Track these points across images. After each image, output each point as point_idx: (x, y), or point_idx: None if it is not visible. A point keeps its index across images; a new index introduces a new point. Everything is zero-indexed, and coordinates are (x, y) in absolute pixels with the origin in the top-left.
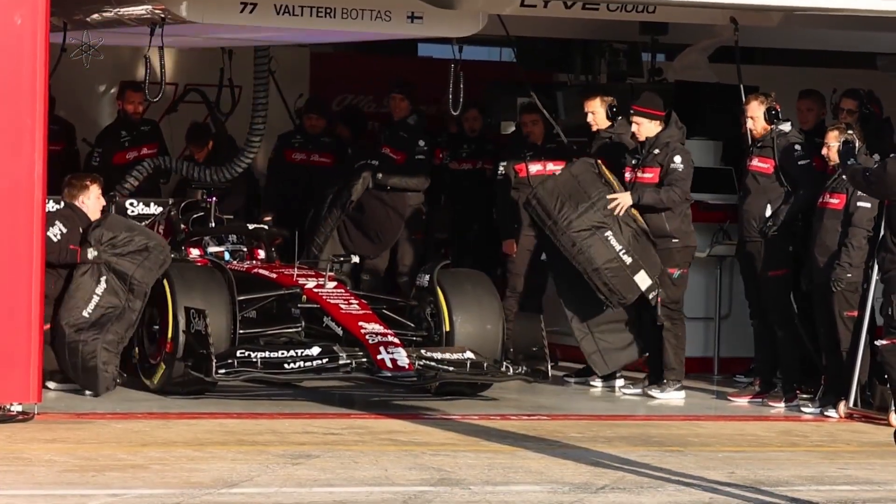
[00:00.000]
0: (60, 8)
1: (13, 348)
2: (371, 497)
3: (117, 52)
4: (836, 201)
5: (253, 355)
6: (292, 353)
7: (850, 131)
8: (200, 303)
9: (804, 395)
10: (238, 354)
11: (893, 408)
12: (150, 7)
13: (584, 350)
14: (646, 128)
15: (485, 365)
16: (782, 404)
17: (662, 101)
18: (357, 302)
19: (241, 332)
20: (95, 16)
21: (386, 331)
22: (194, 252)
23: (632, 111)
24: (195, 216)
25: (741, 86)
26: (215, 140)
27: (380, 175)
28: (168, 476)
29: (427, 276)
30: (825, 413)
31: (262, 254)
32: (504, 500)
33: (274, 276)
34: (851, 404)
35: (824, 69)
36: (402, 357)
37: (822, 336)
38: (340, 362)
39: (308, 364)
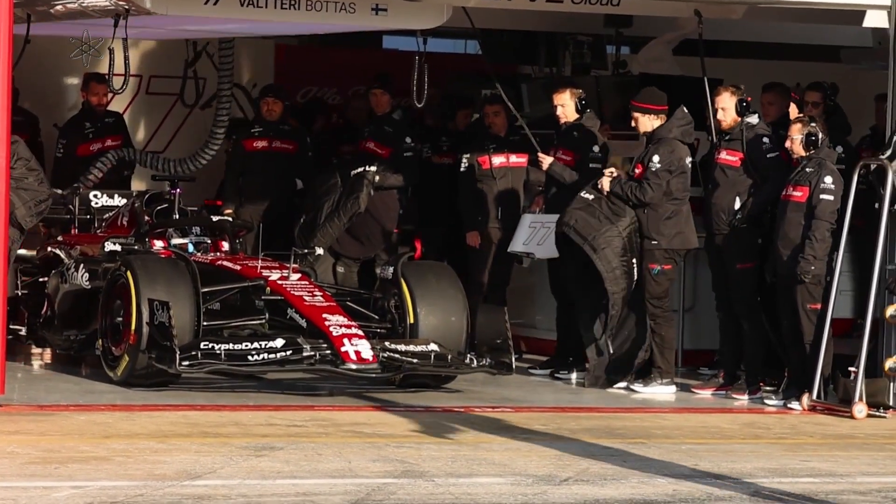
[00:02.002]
0: None
1: None
2: (335, 489)
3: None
4: (799, 194)
5: (217, 347)
6: (256, 345)
7: (812, 124)
8: (164, 295)
9: (767, 388)
10: (202, 346)
11: (857, 399)
12: None
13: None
14: (643, 123)
15: (449, 357)
16: (746, 397)
17: (665, 96)
18: (321, 294)
19: (205, 324)
20: (59, 7)
21: (350, 323)
22: (158, 244)
23: (630, 106)
24: (159, 208)
25: (705, 79)
26: None
27: (377, 177)
28: (131, 468)
29: (391, 269)
30: (788, 405)
31: (225, 246)
32: (467, 493)
33: (238, 268)
34: (815, 397)
35: (788, 62)
36: (366, 349)
37: (785, 329)
38: (304, 354)
39: (272, 356)
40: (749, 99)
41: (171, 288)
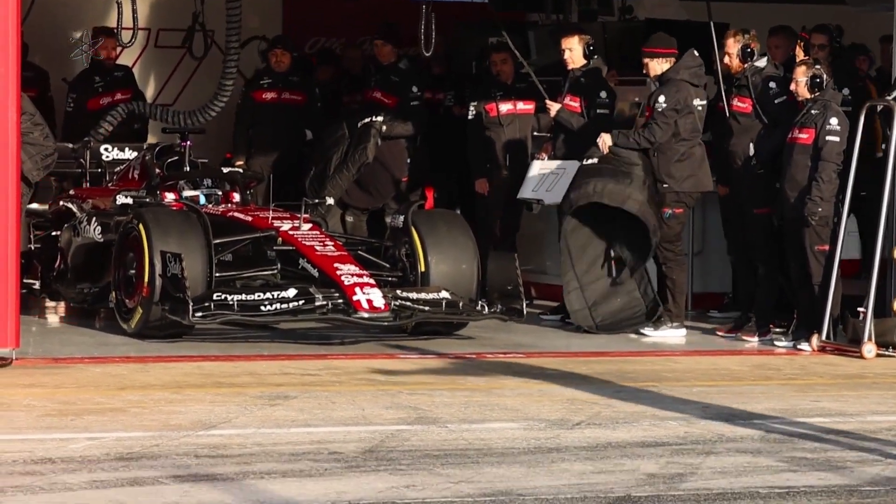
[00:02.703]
0: None
1: None
2: (349, 436)
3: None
4: (805, 136)
5: (229, 298)
6: (269, 295)
7: (817, 66)
8: (176, 247)
9: (777, 330)
10: (215, 297)
11: (866, 339)
12: None
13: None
14: (652, 67)
15: (460, 304)
16: (756, 339)
17: (674, 41)
18: (332, 244)
19: (218, 275)
20: None
21: (362, 272)
22: (169, 196)
23: (641, 53)
24: (170, 160)
25: (711, 23)
26: None
27: (384, 127)
28: (146, 419)
29: (401, 217)
30: (798, 347)
31: (237, 197)
32: (480, 438)
33: (249, 219)
34: (824, 338)
35: (794, 5)
36: (378, 298)
37: (793, 271)
38: (317, 304)
39: (284, 306)
40: (755, 45)
41: (183, 240)
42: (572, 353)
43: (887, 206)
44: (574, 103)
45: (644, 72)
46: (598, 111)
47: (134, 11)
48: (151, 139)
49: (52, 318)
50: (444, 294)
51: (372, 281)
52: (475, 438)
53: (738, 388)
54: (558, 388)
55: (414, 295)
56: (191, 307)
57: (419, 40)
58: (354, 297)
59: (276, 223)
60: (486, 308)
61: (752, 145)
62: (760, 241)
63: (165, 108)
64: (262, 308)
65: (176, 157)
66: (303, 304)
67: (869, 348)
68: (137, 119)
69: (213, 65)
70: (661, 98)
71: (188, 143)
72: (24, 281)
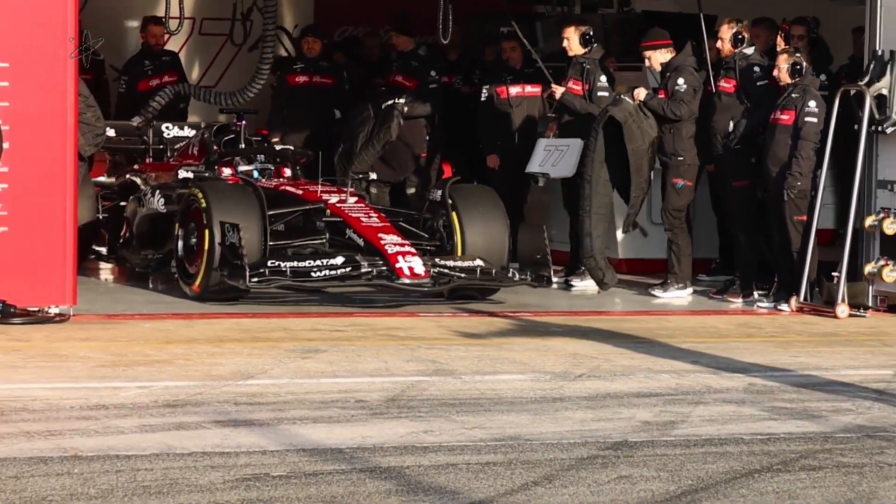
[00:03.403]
0: None
1: (51, 257)
2: (373, 386)
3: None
4: (786, 117)
5: (283, 265)
6: (318, 262)
7: (797, 54)
8: (234, 217)
9: (759, 292)
10: (269, 264)
11: (839, 300)
12: None
13: (590, 269)
14: (655, 58)
15: (493, 271)
16: (740, 300)
17: (667, 33)
18: (377, 215)
19: (271, 243)
20: None
21: (403, 241)
22: (226, 171)
23: (640, 48)
24: (226, 138)
25: (701, 14)
26: None
27: (406, 108)
28: (191, 370)
29: (439, 192)
30: (778, 307)
31: (287, 172)
32: (492, 388)
33: (300, 192)
34: (802, 299)
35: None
36: (419, 265)
37: (775, 239)
38: (362, 270)
39: (333, 272)
40: (745, 33)
41: (240, 211)
42: (575, 311)
43: (860, 181)
44: (576, 87)
45: (647, 64)
46: (598, 94)
47: (180, 2)
48: (192, 118)
49: (108, 280)
50: (479, 262)
51: (413, 250)
52: (487, 389)
53: (724, 345)
54: (562, 343)
55: (451, 263)
56: (248, 273)
57: (437, 29)
58: (397, 265)
59: (325, 196)
60: (517, 275)
61: (731, 123)
62: (740, 212)
63: (208, 89)
64: (313, 274)
65: (232, 136)
66: (350, 270)
67: (842, 309)
68: (183, 99)
69: (250, 52)
70: (681, 80)
71: (244, 122)
72: (93, 248)
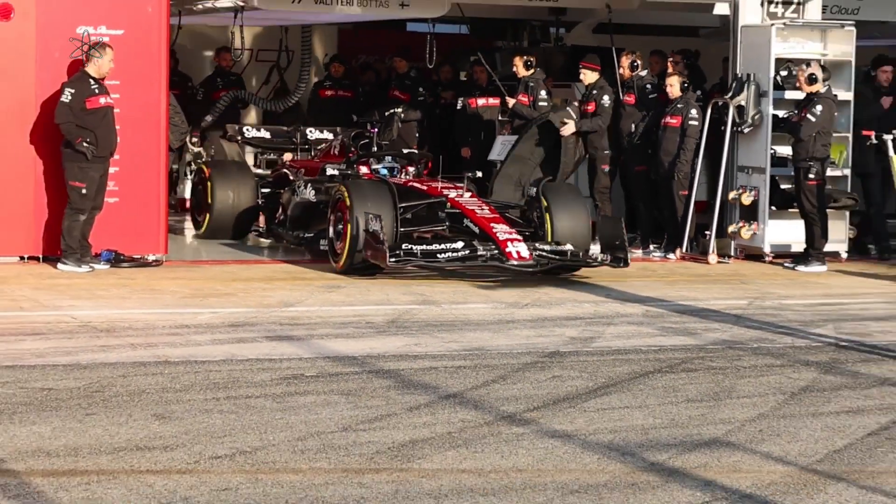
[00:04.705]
0: (176, 0)
1: (149, 219)
2: (378, 312)
3: (214, 29)
4: (674, 121)
5: (414, 248)
6: (443, 246)
7: (683, 76)
8: (373, 208)
9: (654, 245)
10: (404, 247)
11: (710, 251)
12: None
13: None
14: (588, 76)
15: (580, 254)
16: (640, 251)
17: (599, 59)
18: (488, 208)
19: (402, 230)
20: (199, 5)
21: (511, 229)
22: (363, 169)
23: (580, 66)
24: (362, 142)
25: (613, 48)
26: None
27: (402, 115)
28: (248, 300)
29: (535, 189)
30: (667, 256)
31: (411, 170)
32: (463, 313)
33: (424, 188)
34: (684, 251)
35: (666, 37)
36: (525, 249)
37: (665, 208)
38: (479, 253)
39: (455, 255)
40: (640, 60)
41: (377, 203)
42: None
43: (725, 166)
44: (525, 99)
45: (581, 77)
46: (539, 104)
47: (242, 38)
48: (245, 118)
49: (191, 236)
50: (569, 246)
51: (519, 237)
52: (460, 313)
53: (629, 283)
54: (515, 282)
55: (547, 247)
56: (388, 255)
57: (426, 57)
58: (507, 249)
59: (445, 191)
60: (599, 258)
61: (633, 125)
62: (640, 188)
63: (259, 97)
64: (439, 256)
65: (366, 140)
66: (468, 253)
67: (713, 258)
68: (239, 102)
69: (292, 72)
70: (606, 97)
71: (375, 129)
72: (254, 227)
